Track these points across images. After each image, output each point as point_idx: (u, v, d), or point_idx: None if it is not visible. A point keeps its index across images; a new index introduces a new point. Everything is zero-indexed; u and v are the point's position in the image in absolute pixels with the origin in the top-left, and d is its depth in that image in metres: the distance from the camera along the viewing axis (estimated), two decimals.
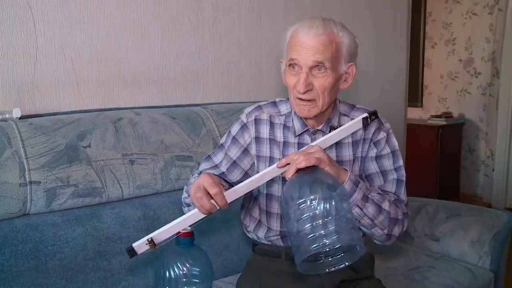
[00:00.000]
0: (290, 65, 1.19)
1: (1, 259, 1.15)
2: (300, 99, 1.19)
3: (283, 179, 1.23)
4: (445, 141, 3.96)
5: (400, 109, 2.67)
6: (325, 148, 1.20)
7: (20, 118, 1.31)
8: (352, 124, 1.21)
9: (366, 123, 1.23)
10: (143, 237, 1.36)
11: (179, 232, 1.10)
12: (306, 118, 1.24)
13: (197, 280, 1.09)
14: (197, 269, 1.10)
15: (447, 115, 4.07)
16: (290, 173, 1.05)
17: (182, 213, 1.46)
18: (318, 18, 1.19)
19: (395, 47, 2.59)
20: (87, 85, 1.52)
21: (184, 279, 1.08)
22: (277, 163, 1.12)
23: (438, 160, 3.94)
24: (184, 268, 1.08)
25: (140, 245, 1.08)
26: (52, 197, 1.25)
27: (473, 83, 4.07)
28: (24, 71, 1.39)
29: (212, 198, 1.06)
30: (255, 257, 1.36)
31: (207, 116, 1.62)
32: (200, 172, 1.32)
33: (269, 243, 1.32)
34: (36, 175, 1.23)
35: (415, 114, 4.33)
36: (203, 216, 1.09)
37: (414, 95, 4.18)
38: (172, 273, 1.09)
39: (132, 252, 1.09)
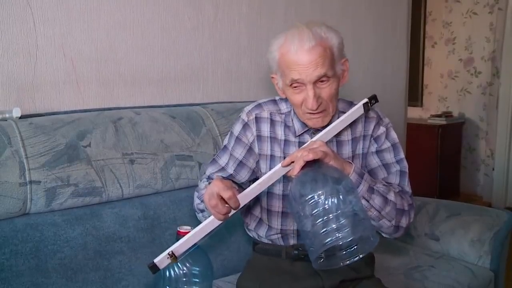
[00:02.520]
0: (291, 84, 1.17)
1: (1, 258, 1.16)
2: (311, 113, 1.18)
3: (284, 177, 1.23)
4: (445, 140, 3.96)
5: (400, 108, 2.67)
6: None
7: (20, 117, 1.31)
8: (353, 112, 1.21)
9: (367, 108, 1.22)
10: (143, 236, 1.37)
11: (179, 231, 1.10)
12: None
13: (197, 280, 1.09)
14: (197, 269, 1.10)
15: (447, 115, 4.07)
16: (295, 170, 1.04)
17: (182, 213, 1.47)
18: (303, 27, 1.16)
19: (395, 47, 2.58)
20: (87, 84, 1.52)
21: (184, 279, 1.08)
22: (281, 162, 1.12)
23: (438, 160, 3.94)
24: (184, 268, 1.08)
25: (162, 260, 1.06)
26: (52, 196, 1.25)
27: (473, 83, 4.07)
28: (24, 70, 1.39)
29: (226, 202, 1.06)
30: (255, 256, 1.36)
31: (207, 115, 1.62)
32: (209, 177, 1.32)
33: (270, 242, 1.32)
34: (36, 174, 1.23)
35: (415, 113, 4.33)
36: (220, 222, 1.10)
37: (414, 94, 4.17)
38: (172, 272, 1.09)
39: (154, 268, 1.07)
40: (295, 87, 1.17)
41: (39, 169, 1.23)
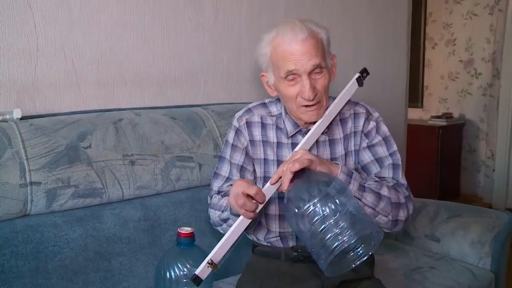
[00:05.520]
0: (286, 77, 1.17)
1: (1, 259, 1.16)
2: (306, 106, 1.18)
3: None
4: (446, 141, 3.96)
5: (400, 109, 2.67)
6: (318, 147, 1.22)
7: (21, 118, 1.31)
8: (348, 89, 1.24)
9: (361, 82, 1.25)
10: (143, 237, 1.37)
11: (180, 232, 1.10)
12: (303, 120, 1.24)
13: None
14: None
15: (447, 116, 4.07)
16: (285, 185, 1.05)
17: (182, 214, 1.47)
18: (295, 21, 1.18)
19: (396, 48, 2.58)
20: (87, 85, 1.52)
21: (185, 280, 1.08)
22: (269, 180, 1.12)
23: (439, 161, 3.94)
24: (185, 269, 1.08)
25: (203, 270, 1.05)
26: (53, 197, 1.25)
27: (474, 84, 4.07)
28: (25, 71, 1.39)
29: (253, 198, 1.08)
30: (255, 258, 1.36)
31: (207, 116, 1.62)
32: (218, 192, 1.33)
33: (269, 244, 1.32)
34: (37, 175, 1.23)
35: (415, 114, 4.33)
36: (249, 221, 1.11)
37: (415, 95, 4.17)
38: (172, 273, 1.09)
39: (197, 279, 1.05)
40: (290, 79, 1.17)
41: (40, 170, 1.23)
